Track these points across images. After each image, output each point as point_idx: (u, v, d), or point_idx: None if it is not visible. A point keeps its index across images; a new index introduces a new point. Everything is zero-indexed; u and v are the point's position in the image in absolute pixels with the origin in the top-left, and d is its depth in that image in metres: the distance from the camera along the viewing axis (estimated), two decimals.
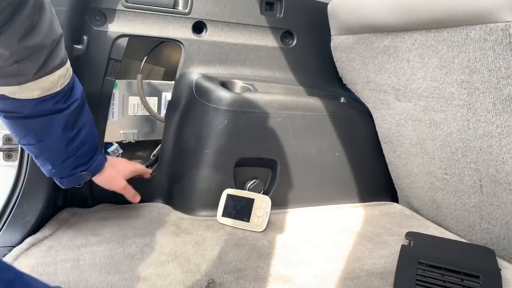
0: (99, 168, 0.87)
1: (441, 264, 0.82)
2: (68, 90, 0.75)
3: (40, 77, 0.66)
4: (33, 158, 0.80)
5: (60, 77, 0.71)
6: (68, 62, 0.74)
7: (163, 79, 1.29)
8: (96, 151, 0.86)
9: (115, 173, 0.91)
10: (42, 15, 0.62)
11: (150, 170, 1.06)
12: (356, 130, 1.22)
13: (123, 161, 0.97)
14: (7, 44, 0.59)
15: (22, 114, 0.70)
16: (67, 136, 0.77)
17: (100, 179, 0.89)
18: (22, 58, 0.62)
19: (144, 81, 1.12)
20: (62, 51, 0.70)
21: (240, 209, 1.02)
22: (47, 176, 0.82)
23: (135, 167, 0.98)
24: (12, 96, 0.66)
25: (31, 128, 0.73)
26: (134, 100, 1.12)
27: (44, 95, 0.70)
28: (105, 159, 0.89)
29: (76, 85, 0.78)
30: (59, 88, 0.72)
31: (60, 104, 0.74)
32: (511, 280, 0.82)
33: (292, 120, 1.10)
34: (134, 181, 1.10)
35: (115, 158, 0.97)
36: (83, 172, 0.83)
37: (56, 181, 0.84)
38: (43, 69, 0.66)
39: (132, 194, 0.97)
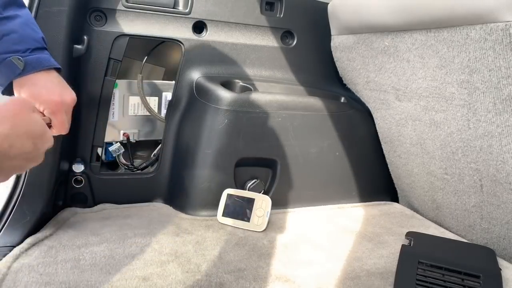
0: (40, 63, 0.70)
1: (441, 264, 0.82)
2: None
3: None
4: None
5: None
6: None
7: (163, 79, 1.29)
8: (39, 49, 0.71)
9: (66, 89, 0.72)
10: None
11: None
12: (356, 130, 1.22)
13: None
14: None
15: None
16: None
17: (39, 81, 0.70)
18: None
19: (144, 81, 1.12)
20: None
21: (240, 209, 1.02)
22: None
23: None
24: None
25: None
26: (134, 100, 1.12)
27: None
28: (58, 65, 0.72)
29: None
30: None
31: None
32: (511, 280, 0.82)
33: (292, 120, 1.10)
34: (133, 181, 1.10)
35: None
36: (16, 56, 0.67)
37: None
38: None
39: (61, 122, 0.71)
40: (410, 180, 1.16)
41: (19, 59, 0.68)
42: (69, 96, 0.73)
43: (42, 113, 0.69)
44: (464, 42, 0.78)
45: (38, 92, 0.69)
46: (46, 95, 0.69)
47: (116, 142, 1.13)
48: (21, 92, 0.69)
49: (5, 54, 0.68)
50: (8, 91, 0.70)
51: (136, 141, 1.16)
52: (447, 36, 0.82)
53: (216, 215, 1.03)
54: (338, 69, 1.22)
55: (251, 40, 1.17)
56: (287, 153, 1.11)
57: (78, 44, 0.94)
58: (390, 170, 1.24)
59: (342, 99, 1.24)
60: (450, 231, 1.07)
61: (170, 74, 1.25)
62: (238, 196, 1.04)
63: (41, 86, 0.70)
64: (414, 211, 1.21)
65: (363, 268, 0.85)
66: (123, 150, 1.14)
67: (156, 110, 1.15)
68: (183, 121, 1.10)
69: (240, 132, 1.05)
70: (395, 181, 1.26)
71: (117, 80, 1.05)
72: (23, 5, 0.72)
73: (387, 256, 0.90)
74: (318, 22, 1.21)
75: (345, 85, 1.24)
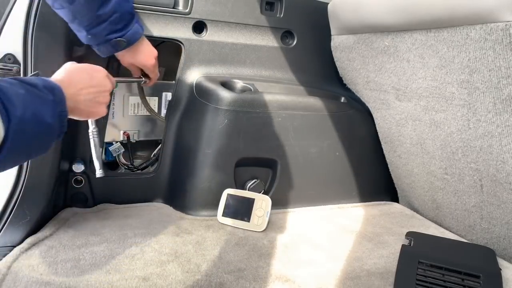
0: (135, 37, 0.89)
1: (441, 264, 0.82)
2: None
3: None
4: (69, 24, 0.83)
5: None
6: None
7: (163, 79, 1.29)
8: (132, 20, 0.87)
9: (152, 49, 0.95)
10: None
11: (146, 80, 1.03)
12: (356, 130, 1.22)
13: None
14: None
15: None
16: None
17: (137, 50, 0.92)
18: None
19: None
20: None
21: (240, 209, 1.02)
22: (85, 44, 0.86)
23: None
24: None
25: None
26: (134, 100, 1.12)
27: None
28: (142, 29, 0.91)
29: None
30: None
31: None
32: (511, 280, 0.82)
33: (292, 120, 1.10)
34: (133, 181, 1.10)
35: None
36: (119, 39, 0.86)
37: (95, 49, 0.89)
38: None
39: (156, 74, 1.01)
40: (410, 180, 1.16)
41: (123, 41, 0.86)
42: (155, 53, 0.96)
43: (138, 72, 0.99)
44: (464, 42, 0.78)
45: (138, 58, 0.93)
46: (144, 60, 0.95)
47: (116, 142, 1.13)
48: (124, 58, 0.93)
49: (109, 35, 0.84)
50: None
51: (136, 141, 1.16)
52: (447, 36, 0.82)
53: (216, 215, 1.03)
54: (338, 69, 1.22)
55: (251, 40, 1.17)
56: (287, 153, 1.11)
57: (78, 44, 0.94)
58: (390, 170, 1.24)
59: (342, 99, 1.23)
60: (450, 231, 1.07)
61: (170, 74, 1.25)
62: (238, 196, 1.04)
63: (139, 52, 0.93)
64: (414, 211, 1.21)
65: (363, 268, 0.85)
66: (123, 150, 1.14)
67: (156, 110, 1.15)
68: (183, 121, 1.10)
69: (240, 132, 1.05)
70: (395, 181, 1.26)
71: None
72: None
73: (387, 256, 0.91)
74: (318, 22, 1.21)
75: (345, 85, 1.24)
